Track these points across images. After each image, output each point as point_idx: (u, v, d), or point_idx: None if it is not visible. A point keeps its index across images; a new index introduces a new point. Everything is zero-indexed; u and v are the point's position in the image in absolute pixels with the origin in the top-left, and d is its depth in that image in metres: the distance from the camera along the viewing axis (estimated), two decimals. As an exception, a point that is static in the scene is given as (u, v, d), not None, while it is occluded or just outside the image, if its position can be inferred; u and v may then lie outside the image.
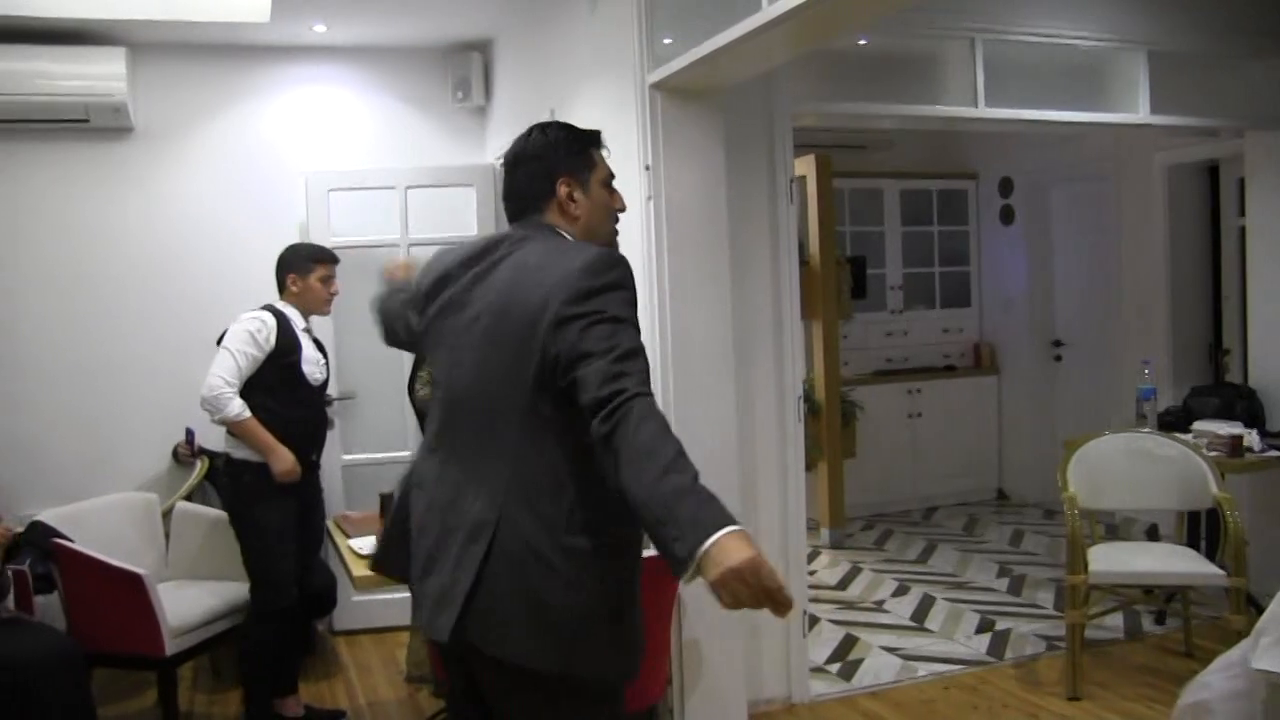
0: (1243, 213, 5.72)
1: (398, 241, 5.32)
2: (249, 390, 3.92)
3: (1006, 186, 7.92)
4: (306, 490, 4.13)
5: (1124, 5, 4.89)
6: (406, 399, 4.57)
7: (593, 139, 2.29)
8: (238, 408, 3.87)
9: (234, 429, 3.94)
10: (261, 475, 3.94)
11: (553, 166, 2.22)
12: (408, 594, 2.25)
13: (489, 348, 2.10)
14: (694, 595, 3.65)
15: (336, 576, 4.37)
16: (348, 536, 3.65)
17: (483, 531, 2.01)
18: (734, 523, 1.69)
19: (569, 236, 2.20)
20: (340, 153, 5.64)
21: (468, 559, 2.02)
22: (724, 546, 1.65)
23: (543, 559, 1.97)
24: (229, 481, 4.09)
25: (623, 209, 2.32)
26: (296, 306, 4.13)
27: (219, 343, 3.99)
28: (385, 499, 4.02)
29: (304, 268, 4.12)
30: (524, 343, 2.01)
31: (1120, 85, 4.88)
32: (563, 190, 2.21)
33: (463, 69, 5.70)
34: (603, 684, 2.08)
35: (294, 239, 5.18)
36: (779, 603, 1.67)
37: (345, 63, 5.67)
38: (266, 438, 3.92)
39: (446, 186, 5.52)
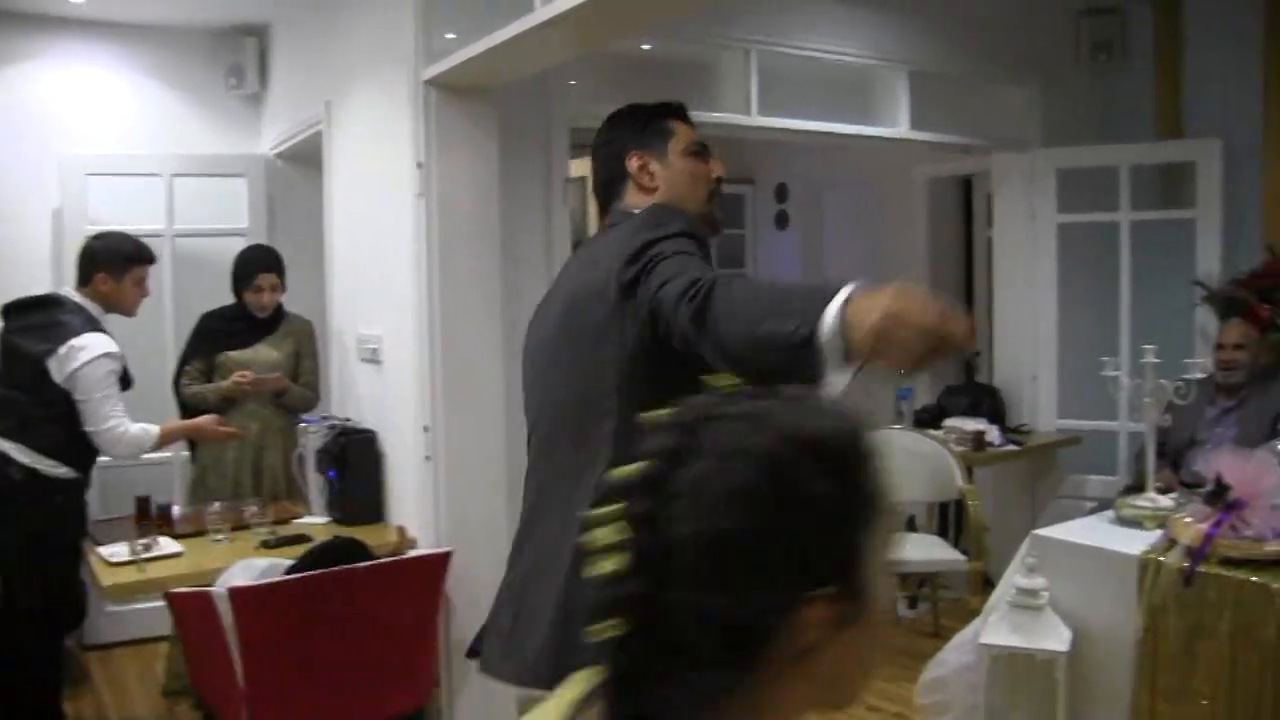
0: (991, 224, 6.12)
1: (162, 231, 5.10)
2: (66, 418, 3.65)
3: (782, 192, 8.21)
4: None
5: (888, 26, 5.16)
6: (172, 396, 4.42)
7: (667, 109, 2.21)
8: (141, 434, 3.70)
9: (160, 446, 3.80)
10: (72, 492, 3.71)
11: (621, 146, 2.15)
12: (161, 602, 2.15)
13: (565, 349, 2.01)
14: (461, 594, 3.66)
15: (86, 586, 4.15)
16: (96, 544, 3.50)
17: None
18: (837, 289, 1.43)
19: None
20: (101, 136, 5.32)
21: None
22: (857, 305, 1.39)
23: None
24: (29, 502, 3.65)
25: (718, 175, 2.20)
26: (98, 304, 3.84)
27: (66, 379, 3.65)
28: (141, 503, 3.88)
29: (120, 269, 3.84)
30: (600, 330, 1.91)
31: (883, 101, 5.15)
32: (634, 164, 2.13)
33: (236, 54, 5.49)
34: None
35: (46, 224, 4.92)
36: (953, 324, 1.38)
37: (107, 39, 5.34)
38: (186, 425, 3.84)
39: (216, 176, 5.35)
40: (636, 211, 2.08)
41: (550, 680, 1.80)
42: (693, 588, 0.84)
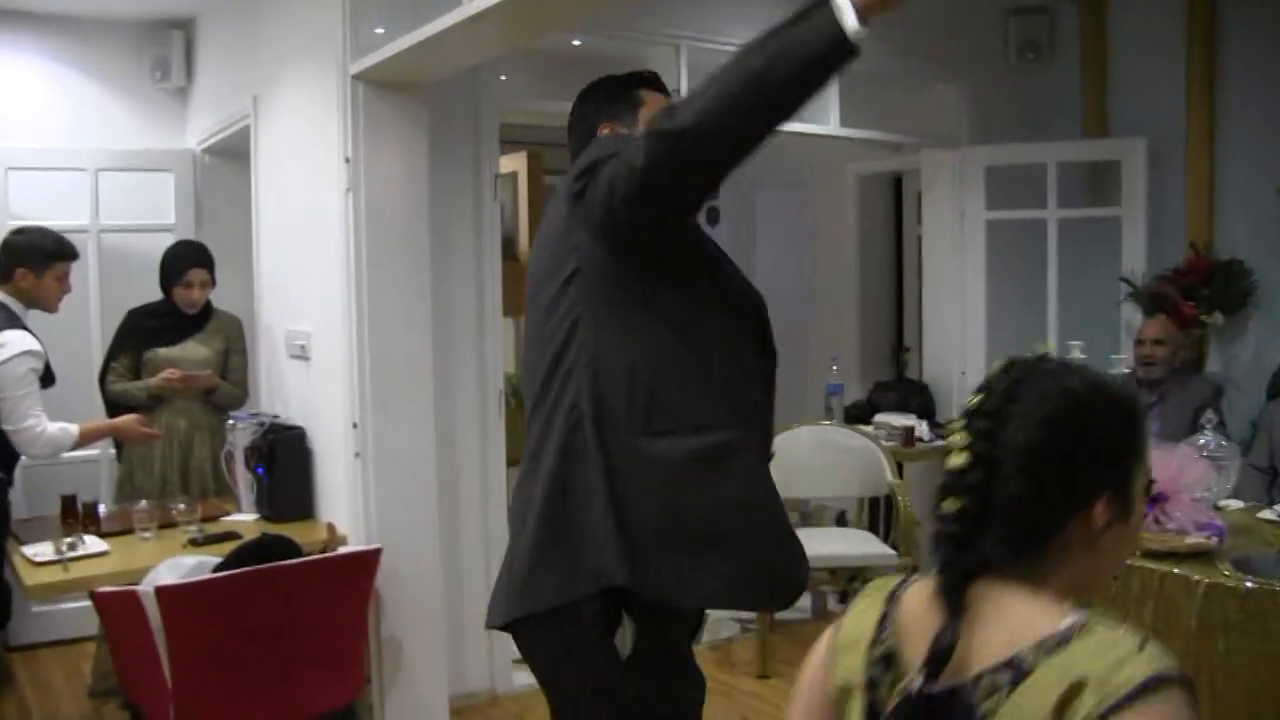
0: (921, 222, 6.20)
1: (87, 227, 5.01)
2: None
3: (714, 188, 8.24)
4: None
5: (818, 23, 5.19)
6: (98, 394, 4.34)
7: (638, 78, 2.18)
8: (59, 433, 3.62)
9: (80, 446, 3.73)
10: (3, 493, 3.65)
11: (594, 118, 2.13)
12: (88, 602, 2.10)
13: (537, 286, 1.96)
14: (392, 591, 3.64)
15: (11, 586, 4.07)
16: (20, 543, 3.43)
17: None
18: None
19: None
20: (23, 130, 5.18)
21: None
22: None
23: None
24: None
25: None
26: (19, 300, 3.78)
27: None
28: (67, 501, 3.81)
29: (41, 264, 3.77)
30: (559, 252, 1.88)
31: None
32: (604, 133, 2.09)
33: (162, 47, 5.39)
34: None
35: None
36: None
37: (29, 31, 5.21)
38: (106, 425, 3.76)
39: (142, 171, 5.26)
40: None
41: (525, 580, 1.84)
42: (1014, 480, 1.20)
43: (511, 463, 5.46)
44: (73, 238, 4.04)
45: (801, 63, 1.58)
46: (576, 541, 1.82)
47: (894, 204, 7.09)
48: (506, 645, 4.37)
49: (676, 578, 1.79)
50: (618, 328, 1.84)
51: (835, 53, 1.56)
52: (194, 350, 4.27)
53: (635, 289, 1.85)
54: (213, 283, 4.32)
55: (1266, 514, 3.43)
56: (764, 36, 1.59)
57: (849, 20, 1.52)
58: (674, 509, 1.80)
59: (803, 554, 1.97)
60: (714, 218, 8.19)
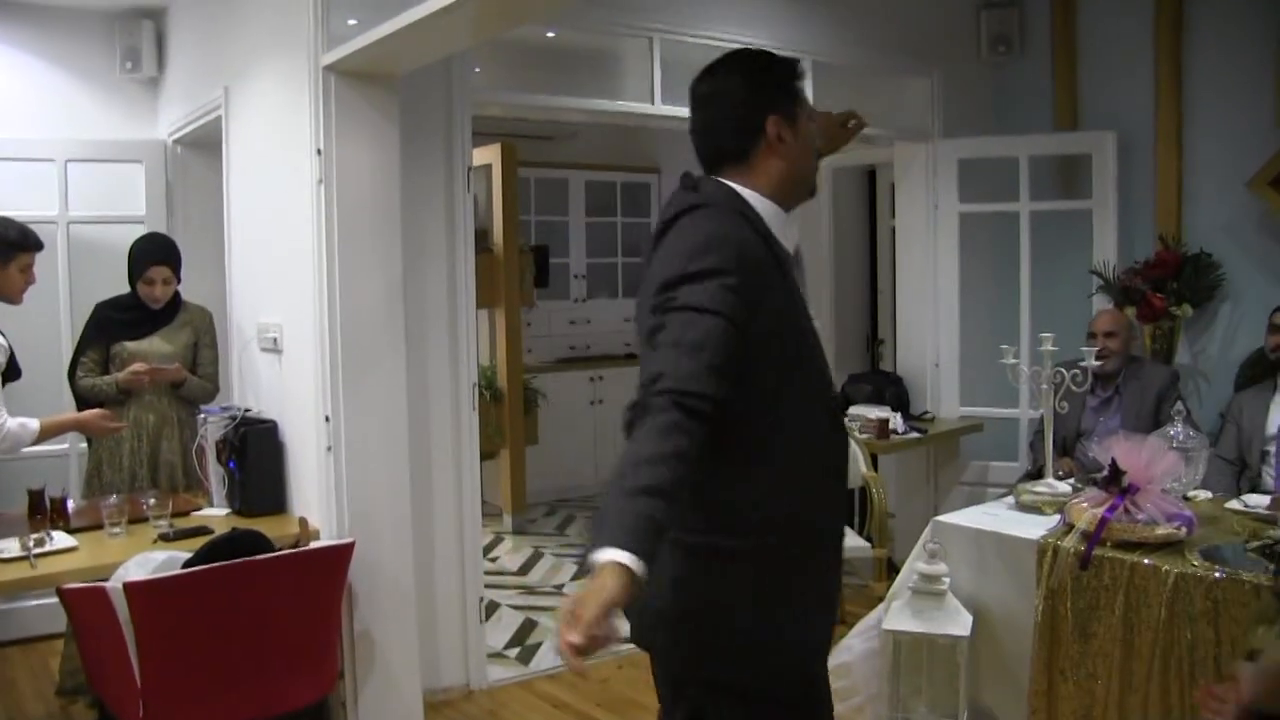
0: (894, 214, 6.21)
1: (55, 219, 4.96)
2: None
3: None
4: None
5: (792, 17, 5.20)
6: (67, 386, 4.29)
7: (797, 68, 2.03)
8: (19, 429, 3.59)
9: (42, 441, 3.69)
10: None
11: (764, 105, 1.95)
12: (56, 599, 2.07)
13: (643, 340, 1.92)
14: (365, 585, 3.62)
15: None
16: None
17: None
18: (619, 546, 1.53)
19: (753, 198, 1.95)
20: (-12, 119, 5.16)
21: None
22: (598, 567, 1.53)
23: (680, 545, 1.84)
24: None
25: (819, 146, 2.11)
26: None
27: None
28: (34, 495, 3.76)
29: (4, 255, 3.70)
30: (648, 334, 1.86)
31: (788, 91, 5.18)
32: (772, 130, 1.95)
33: (132, 37, 5.33)
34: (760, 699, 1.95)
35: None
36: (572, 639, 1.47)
37: (-4, 20, 5.19)
38: (69, 419, 3.73)
39: (112, 162, 5.20)
40: (746, 194, 1.95)
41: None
42: None
43: (485, 456, 5.46)
44: (41, 229, 3.99)
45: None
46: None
47: (868, 196, 7.11)
48: (480, 640, 4.37)
49: None
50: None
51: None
52: (161, 344, 4.23)
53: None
54: (177, 279, 4.27)
55: (1234, 504, 3.46)
56: (603, 519, 1.63)
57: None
58: None
59: None
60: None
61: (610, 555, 1.51)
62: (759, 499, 1.88)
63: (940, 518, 3.51)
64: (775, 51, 2.05)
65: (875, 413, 5.23)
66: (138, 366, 4.10)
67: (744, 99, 1.97)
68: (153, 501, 3.67)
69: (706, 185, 1.97)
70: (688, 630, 1.91)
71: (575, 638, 1.45)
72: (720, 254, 1.80)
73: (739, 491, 1.88)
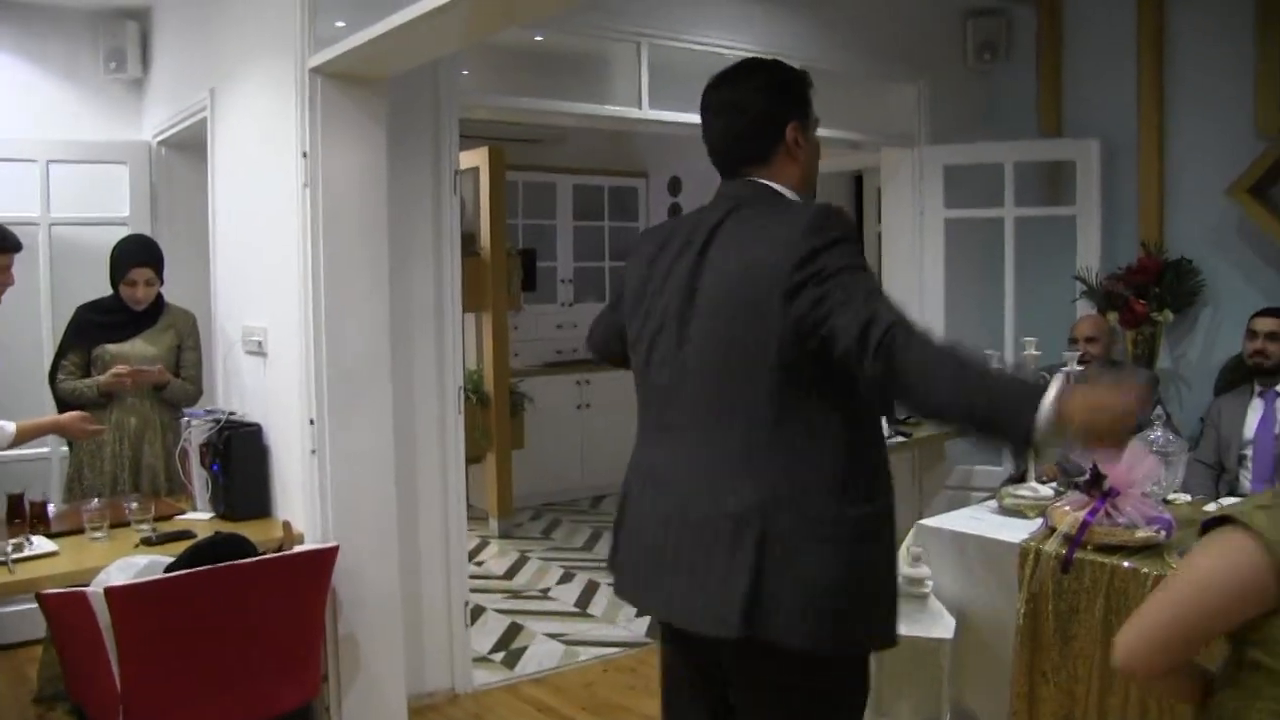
0: (881, 219, 6.23)
1: (37, 220, 4.93)
2: None
3: (675, 186, 8.25)
4: None
5: (779, 22, 5.21)
6: (48, 390, 4.27)
7: (808, 79, 2.19)
8: None
9: (19, 443, 3.65)
10: None
11: (785, 111, 2.11)
12: (35, 605, 2.06)
13: (720, 326, 1.97)
14: (349, 590, 3.61)
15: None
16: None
17: (750, 519, 1.89)
18: (1045, 384, 1.67)
19: (786, 192, 2.09)
20: (-32, 120, 5.12)
21: (738, 549, 1.89)
22: (1067, 404, 1.63)
23: (818, 534, 1.87)
24: None
25: None
26: None
27: None
28: (14, 500, 3.74)
29: None
30: (761, 318, 1.90)
31: (774, 96, 5.19)
32: (791, 135, 2.10)
33: (116, 38, 5.31)
34: (861, 657, 2.05)
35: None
36: (1136, 406, 1.67)
37: (-26, 19, 5.15)
38: (46, 422, 3.71)
39: (96, 163, 5.17)
40: (781, 190, 2.09)
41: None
42: None
43: (471, 460, 5.45)
44: (22, 230, 3.97)
45: (990, 432, 1.80)
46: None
47: (855, 201, 7.12)
48: (466, 644, 4.37)
49: None
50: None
51: (1016, 445, 1.84)
52: (144, 347, 4.21)
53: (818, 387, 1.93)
54: (160, 280, 4.26)
55: (1212, 507, 3.48)
56: (998, 397, 1.72)
57: (1040, 422, 1.65)
58: None
59: None
60: (677, 214, 8.20)
61: (1055, 387, 1.65)
62: (879, 461, 1.99)
63: (924, 521, 3.53)
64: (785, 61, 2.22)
65: (861, 417, 5.23)
66: (119, 369, 4.08)
67: (767, 106, 2.11)
68: (135, 505, 3.64)
69: (751, 184, 2.11)
70: (851, 605, 1.90)
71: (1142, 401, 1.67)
72: (837, 223, 1.93)
73: (872, 456, 1.97)
